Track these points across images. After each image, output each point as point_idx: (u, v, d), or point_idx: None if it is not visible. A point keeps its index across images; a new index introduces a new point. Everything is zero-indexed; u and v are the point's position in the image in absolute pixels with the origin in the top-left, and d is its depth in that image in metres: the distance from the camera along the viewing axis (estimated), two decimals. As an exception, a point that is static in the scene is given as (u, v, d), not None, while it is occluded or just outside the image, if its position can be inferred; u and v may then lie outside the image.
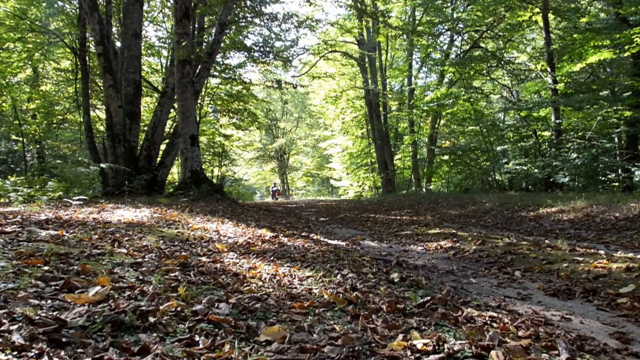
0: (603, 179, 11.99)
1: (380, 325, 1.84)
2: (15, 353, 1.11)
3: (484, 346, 1.60)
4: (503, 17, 15.77)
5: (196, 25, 11.75)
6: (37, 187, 7.21)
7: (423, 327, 1.88)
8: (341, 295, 2.29)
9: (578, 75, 14.81)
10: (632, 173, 10.72)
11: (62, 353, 1.16)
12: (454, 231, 6.38)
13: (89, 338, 1.29)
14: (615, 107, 11.47)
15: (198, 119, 12.62)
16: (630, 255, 3.96)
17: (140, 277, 2.11)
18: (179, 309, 1.65)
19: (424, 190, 18.84)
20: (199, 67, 10.88)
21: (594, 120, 12.15)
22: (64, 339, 1.24)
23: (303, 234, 5.89)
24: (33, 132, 15.93)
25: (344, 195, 28.10)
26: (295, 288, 2.42)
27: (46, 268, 1.93)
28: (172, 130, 12.60)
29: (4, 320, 1.26)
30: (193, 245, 3.40)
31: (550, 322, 2.31)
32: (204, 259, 2.88)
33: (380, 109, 20.66)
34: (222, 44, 11.84)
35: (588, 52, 11.83)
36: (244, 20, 12.26)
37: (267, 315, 1.81)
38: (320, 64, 22.20)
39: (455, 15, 17.02)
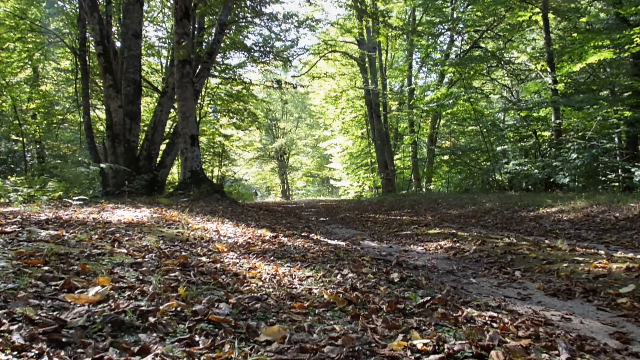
0: (603, 179, 11.98)
1: (380, 325, 1.84)
2: (15, 353, 1.11)
3: (484, 346, 1.60)
4: (503, 17, 15.78)
5: (196, 25, 11.75)
6: (37, 187, 7.22)
7: (423, 327, 1.88)
8: (341, 295, 2.29)
9: (578, 75, 14.81)
10: (632, 173, 10.72)
11: (62, 353, 1.16)
12: (454, 231, 6.38)
13: (89, 338, 1.29)
14: (615, 107, 11.47)
15: (198, 119, 12.62)
16: (630, 255, 3.96)
17: (140, 277, 2.11)
18: (179, 309, 1.65)
19: (424, 190, 18.84)
20: (199, 67, 10.88)
21: (594, 120, 12.15)
22: (64, 339, 1.24)
23: (303, 234, 5.89)
24: (33, 132, 15.93)
25: (344, 195, 28.10)
26: (295, 288, 2.42)
27: (46, 268, 1.93)
28: (172, 130, 12.60)
29: (4, 320, 1.26)
30: (193, 245, 3.40)
31: (550, 322, 2.31)
32: (204, 259, 2.89)
33: (380, 109, 20.66)
34: (222, 44, 11.85)
35: (588, 52, 11.83)
36: (244, 20, 12.26)
37: (267, 315, 1.82)
38: (320, 64, 22.21)
39: (455, 15, 17.02)
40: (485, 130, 15.43)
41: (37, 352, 1.13)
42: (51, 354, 1.13)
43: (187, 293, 1.86)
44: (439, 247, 5.14)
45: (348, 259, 3.83)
